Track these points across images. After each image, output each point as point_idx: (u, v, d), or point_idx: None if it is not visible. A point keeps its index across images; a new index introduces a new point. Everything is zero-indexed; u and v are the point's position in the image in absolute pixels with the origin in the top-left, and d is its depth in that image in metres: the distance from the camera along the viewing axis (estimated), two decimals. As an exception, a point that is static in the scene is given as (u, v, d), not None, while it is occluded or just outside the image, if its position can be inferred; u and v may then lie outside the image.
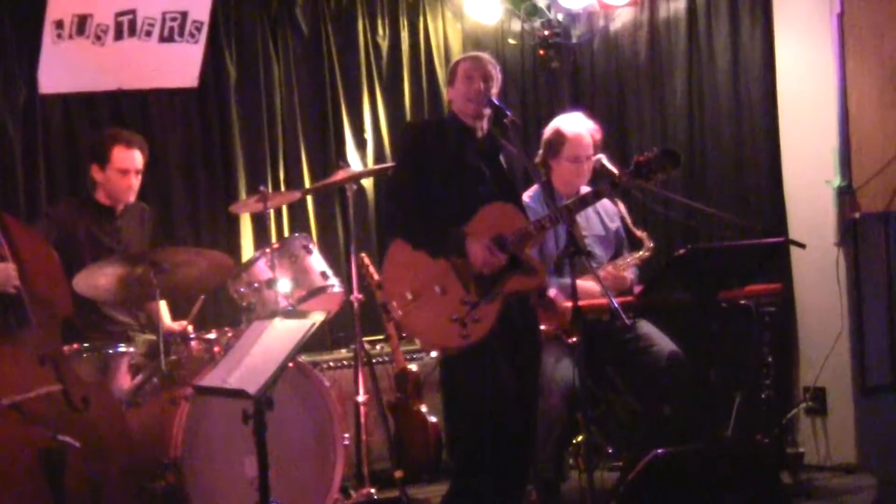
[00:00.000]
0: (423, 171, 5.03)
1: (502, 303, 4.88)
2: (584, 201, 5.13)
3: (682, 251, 5.31)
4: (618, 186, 5.13)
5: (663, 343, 5.74)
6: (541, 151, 5.91)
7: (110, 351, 5.49)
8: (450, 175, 5.02)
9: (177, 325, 5.84)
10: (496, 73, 5.15)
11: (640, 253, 5.87)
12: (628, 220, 5.97)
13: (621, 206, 6.00)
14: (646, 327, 5.80)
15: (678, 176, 7.10)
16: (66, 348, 5.13)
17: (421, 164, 5.05)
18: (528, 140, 6.12)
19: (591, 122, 5.91)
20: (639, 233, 5.90)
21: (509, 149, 5.18)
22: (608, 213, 6.05)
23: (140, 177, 5.89)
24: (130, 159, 5.83)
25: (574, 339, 5.45)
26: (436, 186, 5.00)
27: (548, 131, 5.92)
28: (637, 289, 5.78)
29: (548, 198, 5.36)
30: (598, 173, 6.02)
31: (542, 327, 5.51)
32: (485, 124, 5.12)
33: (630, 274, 5.85)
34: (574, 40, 7.45)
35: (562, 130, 5.86)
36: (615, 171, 5.73)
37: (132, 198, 5.89)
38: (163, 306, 5.75)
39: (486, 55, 5.26)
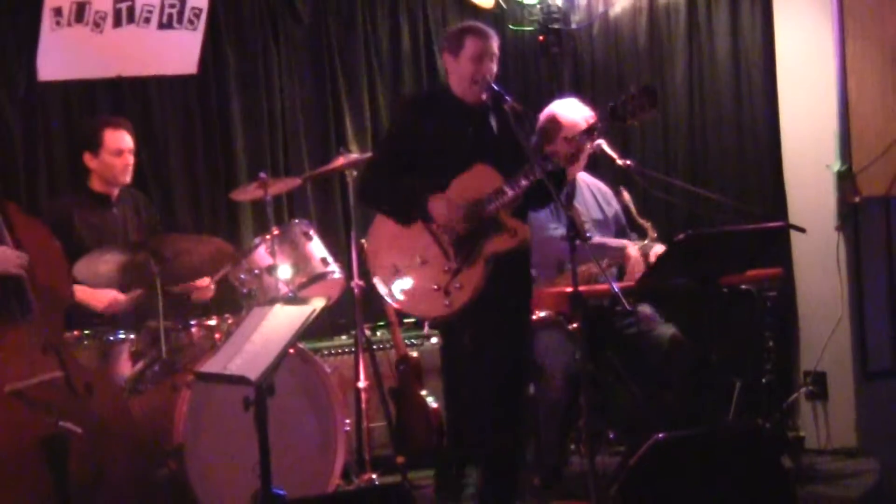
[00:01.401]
0: (409, 146, 5.00)
1: (484, 267, 4.85)
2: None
3: (682, 236, 5.29)
4: (594, 131, 4.95)
5: (664, 328, 5.76)
6: (535, 138, 5.87)
7: (111, 338, 5.49)
8: (440, 148, 4.98)
9: (201, 282, 5.85)
10: (497, 50, 5.09)
11: (645, 242, 5.87)
12: (633, 209, 5.95)
13: (626, 196, 5.98)
14: (646, 312, 5.80)
15: (679, 160, 7.14)
16: (66, 335, 5.13)
17: (409, 140, 5.03)
18: (527, 126, 6.08)
19: (586, 109, 5.86)
20: (643, 222, 5.90)
21: (501, 114, 5.04)
22: (605, 197, 6.05)
23: (133, 157, 5.89)
24: (122, 139, 5.84)
25: (574, 325, 5.46)
26: (425, 159, 4.97)
27: (543, 117, 5.86)
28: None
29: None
30: (598, 159, 6.02)
31: (543, 313, 5.54)
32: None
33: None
34: (574, 25, 7.43)
35: (557, 117, 5.81)
36: (615, 156, 5.74)
37: (128, 178, 5.88)
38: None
39: (489, 29, 5.14)
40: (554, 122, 5.79)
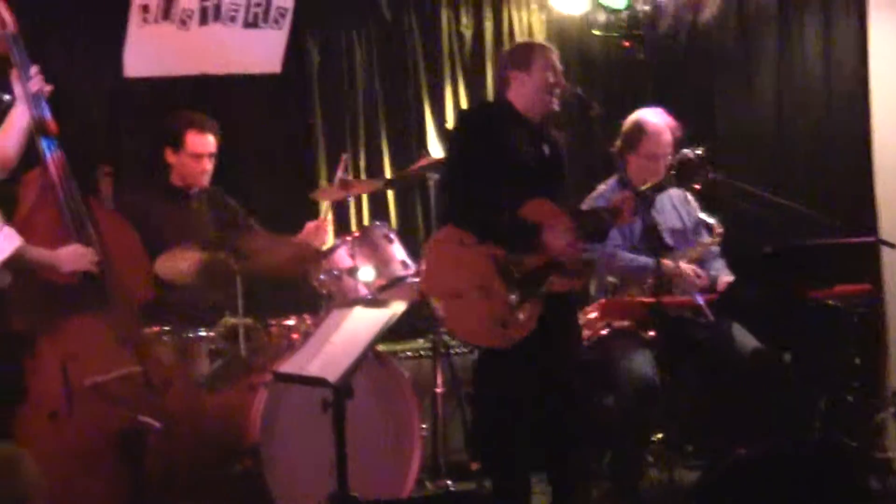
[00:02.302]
0: (474, 161, 4.98)
1: (544, 304, 4.86)
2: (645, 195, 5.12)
3: (768, 249, 5.24)
4: (662, 189, 5.25)
5: (746, 341, 5.65)
6: (618, 143, 5.82)
7: (190, 335, 5.47)
8: (499, 165, 4.96)
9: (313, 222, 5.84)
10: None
11: (709, 240, 5.78)
12: (696, 207, 5.88)
13: (689, 197, 5.91)
14: (728, 325, 5.70)
15: (765, 172, 7.03)
16: (145, 331, 5.13)
17: (473, 154, 5.00)
18: (609, 134, 6.03)
19: (671, 120, 5.81)
20: (708, 219, 5.81)
21: (556, 137, 5.15)
22: (688, 206, 5.96)
23: (213, 160, 5.89)
24: (203, 143, 5.84)
25: (652, 333, 5.42)
26: (484, 176, 4.94)
27: (627, 123, 5.82)
28: (722, 285, 5.69)
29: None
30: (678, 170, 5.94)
31: (616, 323, 5.48)
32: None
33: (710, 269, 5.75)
34: (660, 32, 7.35)
35: (642, 125, 5.77)
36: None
37: (205, 182, 5.89)
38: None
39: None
40: (639, 129, 5.76)
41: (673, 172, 5.10)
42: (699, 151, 5.10)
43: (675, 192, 5.93)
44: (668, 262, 5.51)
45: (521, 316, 4.82)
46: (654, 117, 5.82)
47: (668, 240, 5.74)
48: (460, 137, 5.21)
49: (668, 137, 5.73)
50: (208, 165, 5.86)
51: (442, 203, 5.39)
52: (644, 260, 5.60)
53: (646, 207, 5.17)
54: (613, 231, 5.50)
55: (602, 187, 5.77)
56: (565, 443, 5.08)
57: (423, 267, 5.08)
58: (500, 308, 4.84)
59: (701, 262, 5.81)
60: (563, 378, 5.04)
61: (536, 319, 4.84)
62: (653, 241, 4.78)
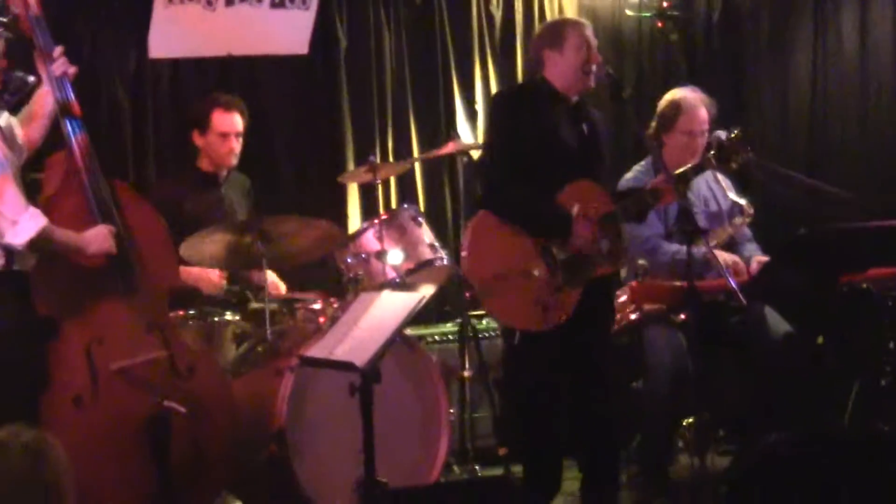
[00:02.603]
0: (514, 144, 4.92)
1: (584, 288, 4.84)
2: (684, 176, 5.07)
3: (801, 232, 5.17)
4: (702, 170, 5.19)
5: (779, 326, 5.59)
6: (654, 124, 5.76)
7: (216, 319, 5.47)
8: (539, 147, 4.91)
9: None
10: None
11: (740, 220, 5.72)
12: (727, 187, 5.82)
13: (720, 175, 5.83)
14: (761, 309, 5.63)
15: (799, 154, 6.97)
16: (171, 315, 5.10)
17: (512, 137, 4.94)
18: (641, 114, 5.97)
19: (707, 98, 5.75)
20: (739, 200, 5.75)
21: (595, 117, 5.10)
22: (723, 188, 5.88)
23: (240, 140, 5.85)
24: (230, 122, 5.81)
25: (683, 316, 5.39)
26: (525, 159, 4.89)
27: (663, 103, 5.77)
28: (754, 267, 5.63)
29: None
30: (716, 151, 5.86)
31: (647, 306, 5.44)
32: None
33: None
34: (694, 13, 7.26)
35: (678, 102, 5.71)
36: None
37: (234, 161, 5.86)
38: (272, 276, 5.70)
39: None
40: (675, 106, 5.70)
41: (711, 153, 5.05)
42: (735, 131, 5.05)
43: (708, 174, 5.86)
44: (708, 252, 5.44)
45: (562, 299, 4.80)
46: (689, 94, 5.76)
47: (704, 222, 5.67)
48: (497, 120, 5.15)
49: (704, 114, 5.68)
50: (235, 145, 5.83)
51: (478, 186, 5.36)
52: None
53: (682, 190, 5.11)
54: (651, 214, 5.46)
55: (636, 168, 5.72)
56: (597, 428, 5.05)
57: (465, 249, 5.02)
58: (540, 291, 4.81)
59: (733, 244, 5.75)
60: (597, 362, 5.01)
61: (575, 304, 4.82)
62: (688, 224, 4.71)
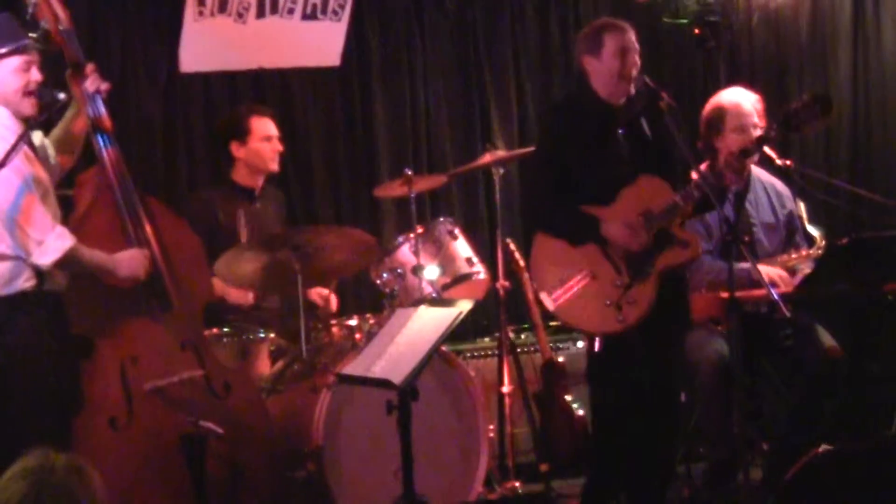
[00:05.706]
0: (562, 158, 4.85)
1: (657, 281, 4.75)
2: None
3: (844, 240, 5.11)
4: (766, 141, 4.96)
5: (823, 336, 5.48)
6: (702, 134, 5.64)
7: (251, 336, 5.42)
8: (590, 158, 4.84)
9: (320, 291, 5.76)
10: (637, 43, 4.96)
11: (811, 251, 5.59)
12: (804, 216, 5.67)
13: (801, 205, 5.70)
14: (805, 319, 5.53)
15: (841, 160, 6.87)
16: (206, 333, 5.06)
17: (560, 150, 4.87)
18: (679, 124, 5.87)
19: (753, 94, 5.59)
20: (813, 230, 5.62)
21: (651, 113, 4.93)
22: (780, 197, 5.75)
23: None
24: (269, 126, 5.81)
25: (720, 327, 5.32)
26: (576, 171, 4.82)
27: (706, 111, 5.61)
28: (798, 279, 5.52)
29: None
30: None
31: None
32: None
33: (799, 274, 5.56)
34: (732, 18, 7.18)
35: (720, 103, 5.56)
36: (773, 155, 5.50)
37: (277, 166, 5.83)
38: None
39: (624, 23, 5.00)
40: (718, 108, 5.53)
41: (775, 124, 4.81)
42: (805, 97, 4.78)
43: (768, 182, 5.73)
44: (752, 267, 5.33)
45: (633, 297, 4.73)
46: (730, 93, 5.63)
47: (760, 235, 5.57)
48: (539, 134, 5.14)
49: (748, 107, 5.50)
50: (279, 146, 5.83)
51: (525, 204, 5.32)
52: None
53: (722, 199, 4.99)
54: (700, 227, 5.36)
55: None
56: (657, 440, 4.94)
57: (531, 264, 5.00)
58: (610, 291, 4.76)
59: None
60: (666, 369, 4.93)
61: (651, 300, 4.73)
62: (734, 242, 4.63)
